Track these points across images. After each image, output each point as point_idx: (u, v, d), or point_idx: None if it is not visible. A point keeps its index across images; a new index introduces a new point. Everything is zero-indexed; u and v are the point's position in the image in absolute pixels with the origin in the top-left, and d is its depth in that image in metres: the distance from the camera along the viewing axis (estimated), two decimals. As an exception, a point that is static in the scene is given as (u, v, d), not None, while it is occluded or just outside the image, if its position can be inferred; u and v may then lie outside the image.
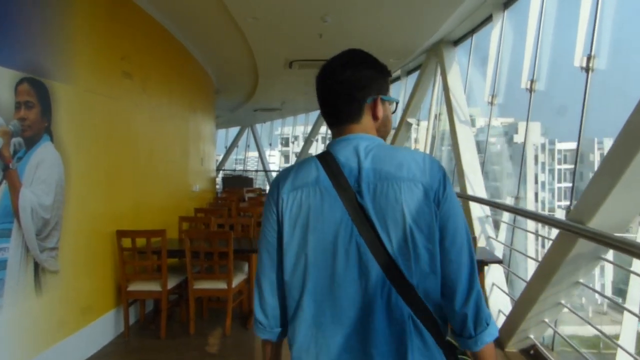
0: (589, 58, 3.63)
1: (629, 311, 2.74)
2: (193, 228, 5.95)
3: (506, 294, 4.62)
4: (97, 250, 4.41)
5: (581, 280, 3.21)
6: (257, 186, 19.59)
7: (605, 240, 2.52)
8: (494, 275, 4.61)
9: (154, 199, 5.82)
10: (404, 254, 1.19)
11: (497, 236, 5.30)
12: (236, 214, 7.08)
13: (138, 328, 4.88)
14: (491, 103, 5.91)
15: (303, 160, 1.33)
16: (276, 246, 1.31)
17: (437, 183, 1.22)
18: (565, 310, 3.50)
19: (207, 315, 5.12)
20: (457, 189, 6.96)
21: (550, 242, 3.48)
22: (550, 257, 3.29)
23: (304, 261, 1.25)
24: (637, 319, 2.80)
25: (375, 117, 1.32)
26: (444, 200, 1.22)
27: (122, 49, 4.88)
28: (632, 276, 3.08)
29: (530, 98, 4.74)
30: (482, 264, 3.97)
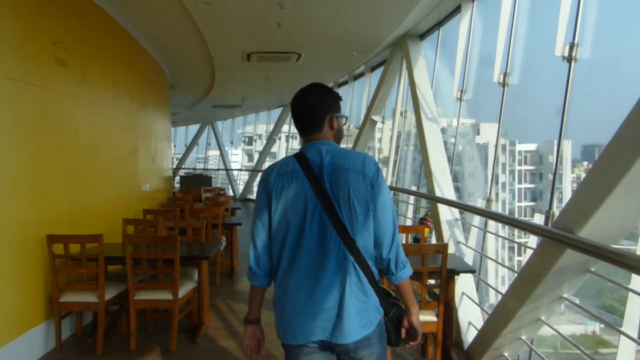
0: (571, 46, 3.34)
1: (626, 335, 2.42)
2: (137, 233, 5.44)
3: (478, 305, 4.31)
4: (24, 258, 3.90)
5: (565, 296, 2.89)
6: (218, 185, 19.02)
7: (601, 253, 2.17)
8: (463, 283, 4.29)
9: (96, 200, 5.29)
10: (349, 219, 1.80)
11: (466, 240, 5.00)
12: (189, 215, 6.59)
13: (74, 343, 4.37)
14: (460, 99, 5.62)
15: (285, 158, 1.93)
16: (267, 215, 1.89)
17: (372, 173, 1.83)
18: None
19: (152, 329, 4.63)
20: (423, 190, 6.68)
21: (528, 250, 3.17)
22: (531, 269, 2.97)
23: (285, 224, 1.84)
24: (634, 343, 2.49)
25: (332, 128, 1.93)
26: (377, 185, 1.83)
27: (54, 33, 4.35)
28: (630, 294, 2.77)
29: (504, 92, 4.45)
30: (453, 273, 3.64)
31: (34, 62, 4.03)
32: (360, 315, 1.79)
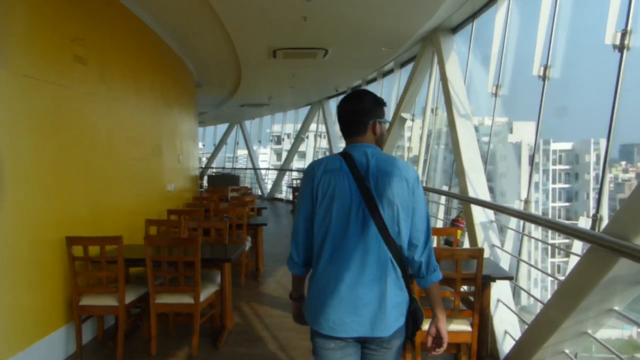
0: (623, 34, 3.04)
1: None
2: (159, 233, 5.33)
3: (515, 313, 4.03)
4: (43, 260, 3.82)
5: (616, 308, 2.61)
6: (246, 184, 18.99)
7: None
8: (499, 289, 4.01)
9: (117, 200, 5.19)
10: (390, 219, 1.90)
11: (501, 244, 4.71)
12: (214, 216, 6.46)
13: (95, 346, 4.28)
14: (495, 94, 5.32)
15: (330, 155, 2.03)
16: (311, 208, 1.97)
17: (413, 180, 1.94)
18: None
19: (174, 332, 4.51)
20: (455, 190, 6.39)
21: (574, 257, 2.89)
22: (578, 278, 2.69)
23: (328, 218, 1.92)
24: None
25: (374, 132, 2.02)
26: (417, 192, 1.95)
27: (73, 29, 4.25)
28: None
29: (544, 87, 4.15)
30: (489, 279, 3.38)
31: (51, 59, 3.93)
32: (396, 308, 1.92)
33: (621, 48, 3.12)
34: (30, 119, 3.66)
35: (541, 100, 4.29)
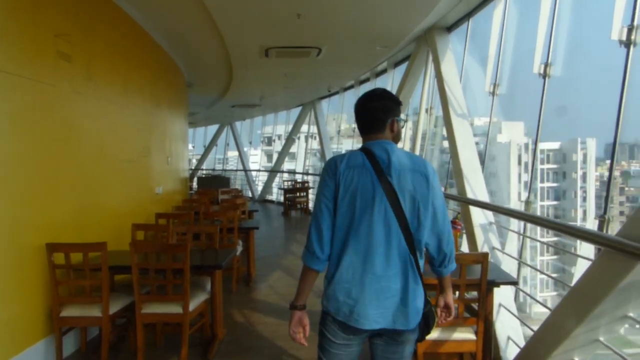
0: (630, 30, 2.90)
1: None
2: (147, 238, 5.12)
3: (518, 318, 3.87)
4: (22, 269, 3.61)
5: (631, 315, 2.46)
6: (237, 186, 18.76)
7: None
8: (501, 294, 3.85)
9: (104, 203, 4.98)
10: (411, 214, 1.98)
11: (501, 246, 4.55)
12: (204, 219, 6.26)
13: (78, 359, 4.05)
14: (493, 93, 5.18)
15: (352, 151, 2.08)
16: (333, 202, 2.01)
17: (432, 175, 2.03)
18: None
19: (162, 343, 4.30)
20: (451, 191, 6.24)
21: (574, 258, 2.73)
22: (592, 284, 2.53)
23: (351, 213, 1.98)
24: None
25: (392, 130, 2.10)
26: (436, 187, 2.03)
27: (57, 24, 4.04)
28: None
29: (544, 84, 4.00)
30: (492, 285, 3.22)
31: (32, 55, 3.71)
32: (415, 302, 1.98)
33: (628, 44, 2.97)
34: (9, 117, 3.45)
35: (542, 99, 4.15)
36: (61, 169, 4.13)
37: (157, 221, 5.85)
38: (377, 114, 2.07)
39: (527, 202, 4.03)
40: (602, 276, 2.47)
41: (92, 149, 4.69)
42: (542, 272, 3.88)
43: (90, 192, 4.66)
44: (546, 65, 4.04)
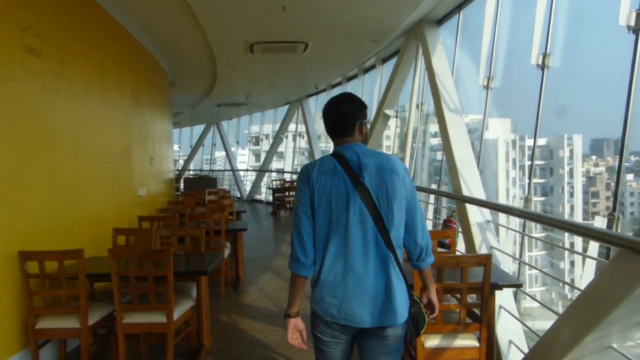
0: (639, 14, 2.73)
1: None
2: (127, 244, 4.87)
3: (520, 322, 3.70)
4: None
5: (647, 319, 2.29)
6: (224, 187, 18.49)
7: None
8: (501, 296, 3.68)
9: (82, 207, 4.73)
10: (385, 212, 2.02)
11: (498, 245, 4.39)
12: (189, 221, 6.02)
13: (56, 373, 3.82)
14: (487, 87, 5.01)
15: (323, 157, 2.15)
16: (310, 209, 2.07)
17: (403, 171, 2.08)
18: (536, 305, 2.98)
19: (145, 353, 4.08)
20: (444, 188, 6.08)
21: (590, 261, 2.56)
22: (606, 288, 2.36)
23: (328, 217, 2.04)
24: None
25: (361, 132, 2.17)
26: (408, 182, 2.08)
27: (24, 17, 3.78)
28: None
29: (543, 76, 3.84)
30: (495, 288, 3.04)
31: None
32: (401, 296, 2.03)
33: (637, 29, 2.81)
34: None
35: (540, 91, 3.98)
36: (34, 171, 3.88)
37: (141, 224, 5.62)
38: (346, 118, 2.12)
39: (527, 200, 3.86)
40: (617, 279, 2.29)
41: (66, 149, 4.44)
42: (545, 273, 3.70)
43: (66, 196, 4.41)
44: (544, 55, 3.88)
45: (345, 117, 2.12)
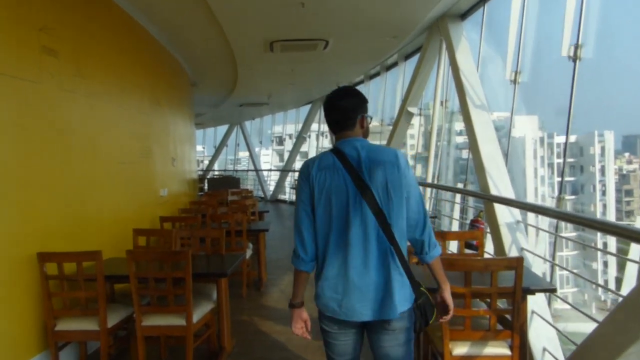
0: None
1: None
2: (148, 244, 4.84)
3: (555, 327, 3.52)
4: (12, 280, 3.36)
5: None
6: (248, 187, 18.51)
7: None
8: (534, 301, 3.50)
9: (102, 208, 4.72)
10: (386, 206, 2.01)
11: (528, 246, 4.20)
12: (211, 222, 5.97)
13: (77, 375, 3.79)
14: (514, 81, 4.81)
15: (322, 153, 2.14)
16: (310, 205, 2.09)
17: (403, 164, 2.05)
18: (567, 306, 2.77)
19: (165, 356, 4.02)
20: (470, 187, 5.89)
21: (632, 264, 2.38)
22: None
23: (328, 213, 2.04)
24: None
25: (362, 126, 2.17)
26: (408, 175, 2.05)
27: (41, 17, 3.76)
28: None
29: (575, 68, 3.64)
30: (527, 292, 2.88)
31: (13, 49, 3.41)
32: (401, 291, 2.02)
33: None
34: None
35: (572, 84, 3.79)
36: (52, 172, 3.86)
37: (162, 225, 5.59)
38: (347, 112, 2.12)
39: (560, 199, 3.66)
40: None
41: (85, 150, 4.41)
42: (582, 277, 3.50)
43: (85, 196, 4.39)
44: (576, 46, 3.68)
45: (346, 111, 2.12)
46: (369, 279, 2.00)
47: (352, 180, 2.01)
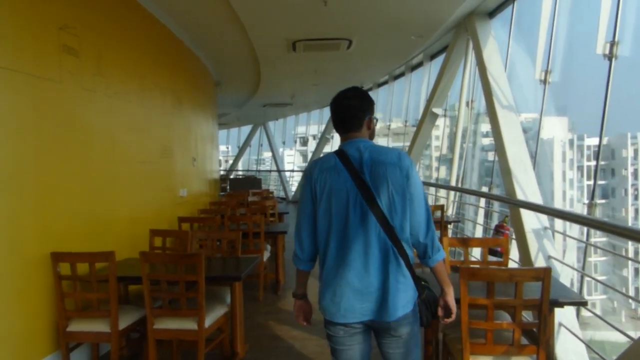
0: None
1: None
2: (163, 246, 4.77)
3: (584, 343, 3.33)
4: (25, 280, 3.33)
5: None
6: (269, 187, 18.50)
7: None
8: (562, 312, 3.31)
9: (119, 207, 4.68)
10: (388, 207, 1.99)
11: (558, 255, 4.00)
12: (229, 223, 5.90)
13: (89, 376, 3.75)
14: (545, 81, 4.61)
15: (326, 154, 2.14)
16: (311, 206, 2.10)
17: (407, 166, 2.02)
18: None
19: (178, 360, 3.94)
20: (496, 190, 5.69)
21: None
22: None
23: (329, 214, 2.04)
24: None
25: (368, 128, 2.15)
26: (411, 177, 2.01)
27: (62, 16, 3.73)
28: None
29: (610, 67, 3.44)
30: (555, 305, 2.70)
31: (34, 49, 3.40)
32: (401, 295, 1.99)
33: None
34: (9, 117, 3.15)
35: (607, 84, 3.58)
36: (68, 171, 3.83)
37: (180, 226, 5.54)
38: (355, 112, 2.10)
39: (592, 205, 3.45)
40: None
41: (104, 149, 4.39)
42: (615, 290, 3.29)
43: (103, 196, 4.36)
44: (612, 44, 3.47)
45: (353, 112, 2.10)
46: (369, 280, 1.98)
47: (352, 181, 2.00)
